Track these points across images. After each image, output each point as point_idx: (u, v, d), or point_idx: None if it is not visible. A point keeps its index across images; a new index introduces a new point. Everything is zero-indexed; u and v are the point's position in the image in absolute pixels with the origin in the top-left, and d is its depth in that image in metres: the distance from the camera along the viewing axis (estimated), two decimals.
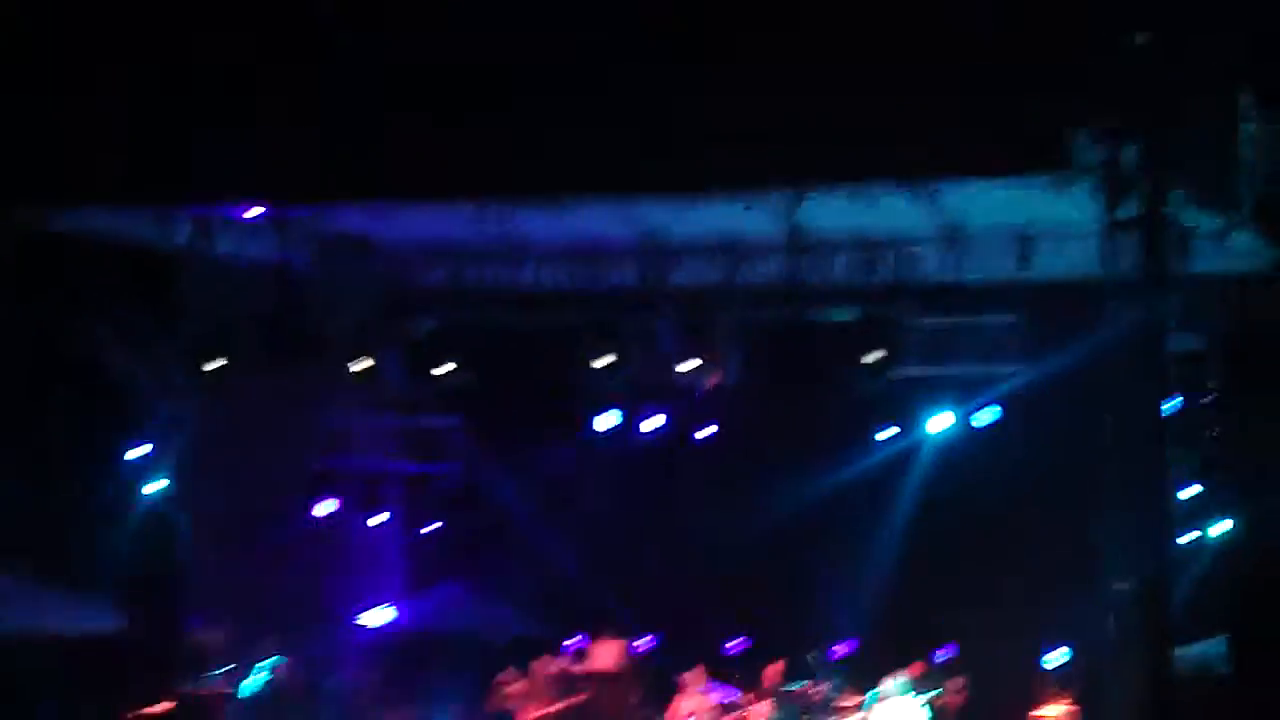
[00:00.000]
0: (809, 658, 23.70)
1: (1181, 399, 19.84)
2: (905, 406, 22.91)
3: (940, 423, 22.73)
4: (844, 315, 21.66)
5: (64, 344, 21.67)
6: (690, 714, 22.78)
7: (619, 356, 22.67)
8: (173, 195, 20.24)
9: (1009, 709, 23.10)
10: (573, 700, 23.17)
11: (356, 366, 23.03)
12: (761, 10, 17.81)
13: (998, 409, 22.45)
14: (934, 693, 22.68)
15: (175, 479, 23.55)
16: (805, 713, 23.26)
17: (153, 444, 23.45)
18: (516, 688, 23.45)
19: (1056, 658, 23.44)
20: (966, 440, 22.98)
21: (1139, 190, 17.41)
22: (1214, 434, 20.89)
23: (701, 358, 22.72)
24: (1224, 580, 20.83)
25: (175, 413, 23.33)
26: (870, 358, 21.39)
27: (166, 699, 22.57)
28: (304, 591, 25.14)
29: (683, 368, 22.81)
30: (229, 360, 22.39)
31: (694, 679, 23.08)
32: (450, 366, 23.30)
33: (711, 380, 23.41)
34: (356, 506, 25.51)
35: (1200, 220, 18.31)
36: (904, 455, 24.04)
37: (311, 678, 23.78)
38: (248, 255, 22.24)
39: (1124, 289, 17.50)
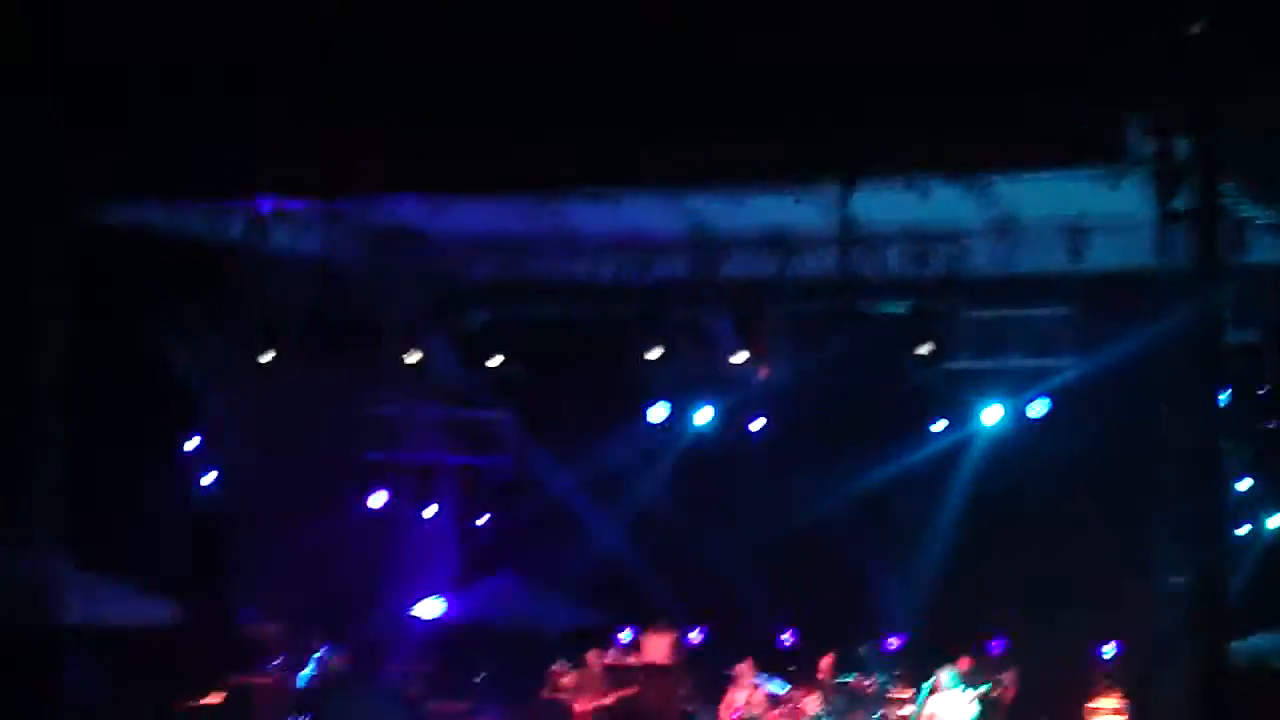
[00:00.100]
0: (860, 650, 23.71)
1: (1235, 391, 19.73)
2: (957, 399, 22.86)
3: (992, 415, 22.67)
4: (895, 308, 21.62)
5: (119, 337, 21.79)
6: (742, 706, 22.79)
7: (669, 349, 22.71)
8: (225, 189, 20.32)
9: (1060, 702, 23.08)
10: (624, 692, 23.22)
11: (408, 359, 23.14)
12: (815, 3, 17.77)
13: (1049, 402, 22.39)
14: (984, 687, 22.64)
15: (228, 471, 23.70)
16: (856, 705, 23.25)
17: (206, 436, 23.62)
18: (569, 679, 23.51)
19: (1108, 651, 23.43)
20: (1018, 433, 22.93)
21: (1192, 182, 17.31)
22: (1269, 426, 20.80)
23: (751, 350, 22.73)
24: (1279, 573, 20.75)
25: (228, 405, 23.47)
26: (921, 350, 21.37)
27: (220, 689, 22.71)
28: (356, 583, 25.28)
29: (733, 360, 22.83)
30: (281, 353, 22.50)
31: (744, 671, 23.09)
32: (502, 359, 23.40)
33: (761, 372, 23.42)
34: (408, 498, 25.64)
35: (1256, 212, 18.21)
36: (956, 448, 24.01)
37: (364, 669, 23.87)
38: (300, 249, 22.32)
39: (1178, 281, 17.38)
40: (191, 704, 22.64)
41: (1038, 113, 17.11)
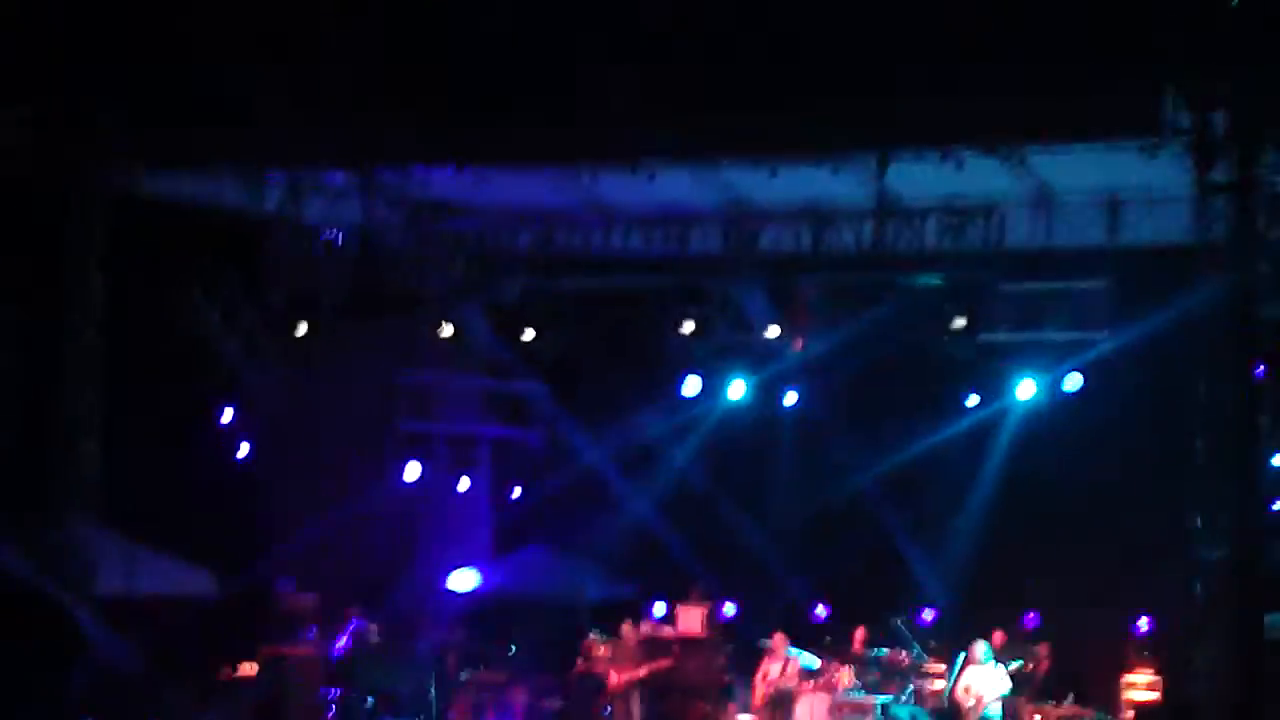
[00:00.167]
0: (894, 623, 23.70)
1: (1271, 365, 19.65)
2: (992, 373, 22.81)
3: (1027, 389, 22.62)
4: (931, 281, 21.58)
5: (155, 309, 21.88)
6: (776, 678, 22.82)
7: (703, 322, 22.71)
8: (264, 158, 20.37)
9: (1094, 676, 23.06)
10: (659, 664, 23.26)
11: (444, 331, 23.18)
12: None
13: (1083, 376, 22.32)
14: (1017, 662, 22.64)
15: (264, 442, 23.79)
16: (889, 678, 23.26)
17: (242, 408, 23.70)
18: (603, 651, 23.55)
19: (1142, 625, 23.40)
20: (1054, 406, 22.84)
21: (1230, 154, 17.24)
22: None
23: (786, 323, 22.73)
24: None
25: (264, 377, 23.54)
26: (957, 323, 21.33)
27: (256, 660, 22.82)
28: (390, 554, 25.37)
29: (767, 334, 22.83)
30: (316, 325, 22.56)
31: (778, 644, 23.11)
32: (536, 331, 23.43)
33: (796, 346, 23.42)
34: (443, 469, 25.69)
35: None
36: (990, 421, 23.96)
37: (398, 640, 23.95)
38: (335, 220, 22.36)
39: (1215, 254, 17.33)
40: (227, 674, 22.78)
41: (1075, 85, 17.05)
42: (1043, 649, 23.33)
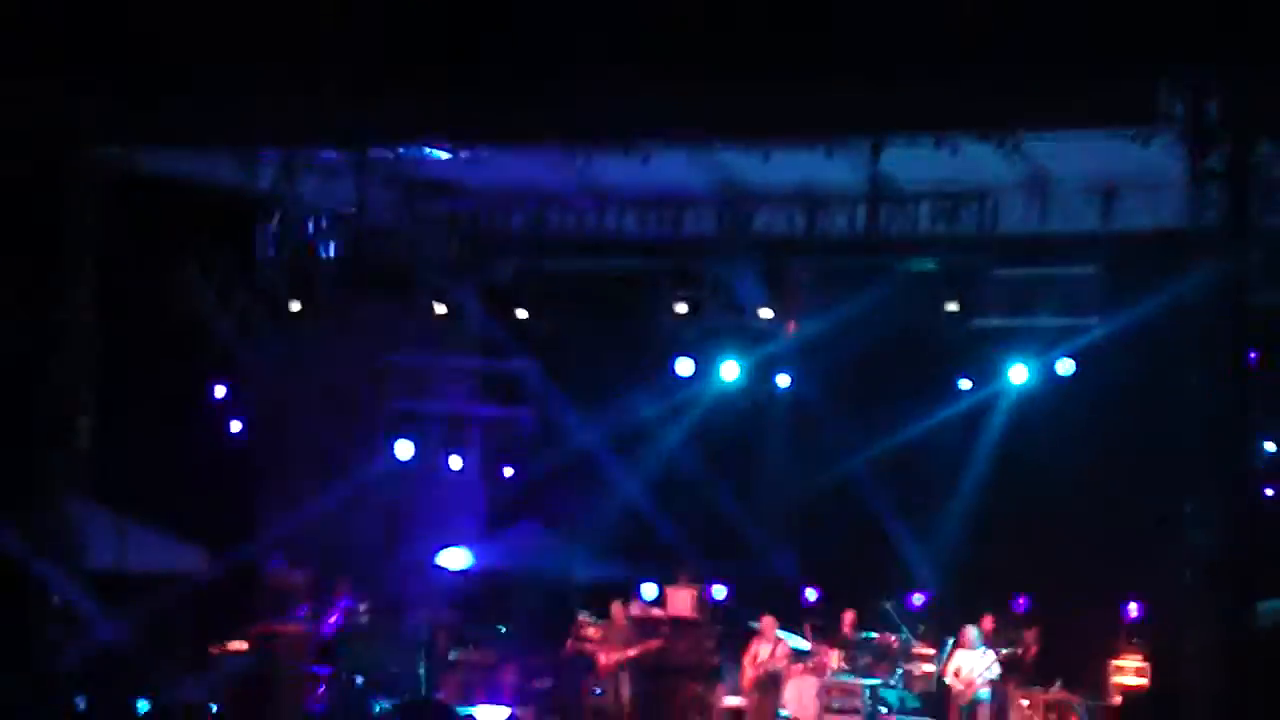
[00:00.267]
0: (884, 607, 23.78)
1: (1262, 353, 19.68)
2: (984, 357, 22.86)
3: (1019, 374, 22.66)
4: (924, 265, 21.60)
5: (150, 287, 21.87)
6: (766, 660, 22.86)
7: (696, 304, 22.73)
8: (258, 137, 20.33)
9: (1083, 661, 23.13)
10: (649, 644, 23.30)
11: (437, 309, 23.19)
12: None
13: (1074, 362, 22.36)
14: (1007, 648, 22.72)
15: (257, 420, 23.80)
16: (879, 662, 23.34)
17: (235, 385, 23.72)
18: (594, 631, 23.60)
19: (1132, 610, 23.45)
20: (1045, 392, 22.91)
21: (1223, 141, 17.25)
22: None
23: (779, 306, 22.75)
24: None
25: (257, 354, 23.55)
26: (949, 308, 21.36)
27: (246, 637, 22.84)
28: (382, 532, 25.40)
29: (760, 316, 22.85)
30: (310, 304, 22.56)
31: (767, 626, 23.16)
32: (529, 311, 23.45)
33: (789, 329, 23.45)
34: (435, 448, 25.70)
35: None
36: (982, 406, 24.02)
37: (388, 618, 23.98)
38: (330, 199, 22.35)
39: (1208, 241, 17.34)
40: (218, 651, 22.80)
41: (1069, 72, 17.05)
42: (1031, 634, 23.42)
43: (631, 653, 23.22)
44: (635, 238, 22.56)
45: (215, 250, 22.75)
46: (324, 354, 23.89)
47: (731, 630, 23.85)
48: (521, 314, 23.48)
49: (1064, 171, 20.08)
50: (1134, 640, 23.23)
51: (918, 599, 24.55)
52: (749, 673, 23.00)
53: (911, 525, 25.06)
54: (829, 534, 25.16)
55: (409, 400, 25.26)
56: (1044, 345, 22.08)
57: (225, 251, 22.77)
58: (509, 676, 23.60)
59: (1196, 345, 17.36)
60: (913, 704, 23.00)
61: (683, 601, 23.94)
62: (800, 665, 23.19)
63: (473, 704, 22.67)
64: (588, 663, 23.36)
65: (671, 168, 20.68)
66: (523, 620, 24.68)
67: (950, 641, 22.61)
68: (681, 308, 22.63)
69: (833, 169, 20.14)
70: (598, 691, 23.25)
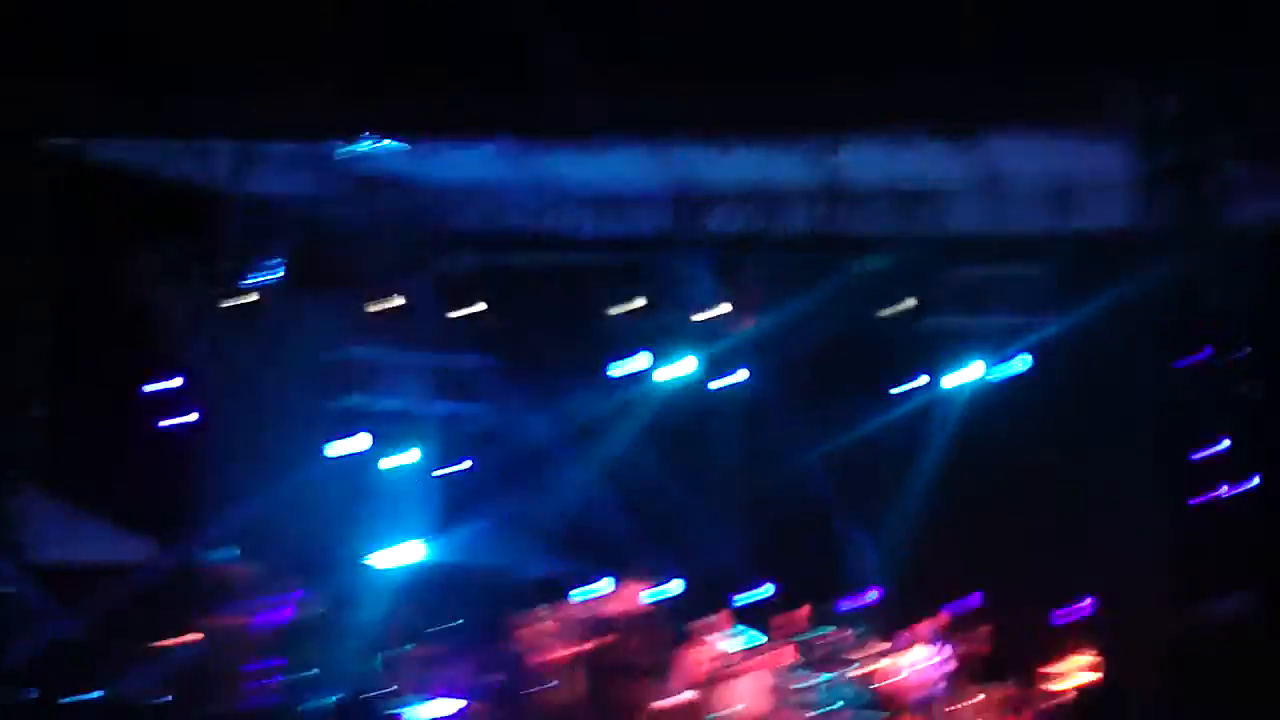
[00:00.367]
0: (836, 604, 23.78)
1: (1213, 352, 19.78)
2: (937, 356, 22.92)
3: (973, 372, 22.73)
4: (878, 263, 21.66)
5: (103, 277, 21.76)
6: (718, 656, 22.85)
7: (650, 300, 22.74)
8: (208, 128, 20.25)
9: (1034, 658, 23.18)
10: (602, 640, 23.27)
11: (388, 304, 23.13)
12: None
13: (1028, 360, 22.45)
14: (960, 645, 22.76)
15: (207, 412, 23.68)
16: (831, 658, 23.34)
17: (185, 377, 23.59)
18: (545, 627, 23.56)
19: (1081, 609, 23.51)
20: (997, 391, 22.98)
21: (1178, 140, 17.34)
22: (1247, 389, 20.85)
23: (732, 304, 22.76)
24: (1253, 534, 20.82)
25: (210, 347, 23.44)
26: (903, 306, 21.42)
27: (193, 631, 22.73)
28: (331, 527, 25.28)
29: (713, 313, 22.86)
30: (261, 296, 22.49)
31: (717, 624, 23.15)
32: (482, 306, 23.41)
33: (741, 326, 23.47)
34: (385, 443, 25.63)
35: (1241, 170, 18.24)
36: (933, 405, 24.07)
37: (337, 613, 23.89)
38: (284, 191, 22.28)
39: (1161, 240, 17.44)
40: (164, 644, 22.67)
41: (1022, 71, 17.12)
42: (985, 630, 23.45)
43: (585, 648, 23.19)
44: (590, 234, 22.56)
45: (170, 241, 22.64)
46: (277, 347, 23.77)
47: (684, 625, 23.83)
48: (476, 309, 23.45)
49: (1019, 170, 20.15)
50: (1087, 636, 23.29)
51: (871, 595, 24.56)
52: (701, 667, 22.97)
53: (865, 522, 25.09)
54: (783, 530, 25.17)
55: (362, 395, 25.19)
56: (998, 343, 22.16)
57: (180, 243, 22.66)
58: (462, 671, 23.53)
59: (1149, 344, 17.46)
60: (865, 700, 23.02)
61: (636, 597, 23.92)
62: (753, 661, 23.17)
63: (427, 697, 22.60)
64: (541, 658, 23.31)
65: (626, 165, 20.73)
66: (475, 615, 24.61)
67: (904, 638, 22.64)
68: (636, 303, 22.65)
69: (787, 167, 20.20)
70: (550, 686, 23.19)
